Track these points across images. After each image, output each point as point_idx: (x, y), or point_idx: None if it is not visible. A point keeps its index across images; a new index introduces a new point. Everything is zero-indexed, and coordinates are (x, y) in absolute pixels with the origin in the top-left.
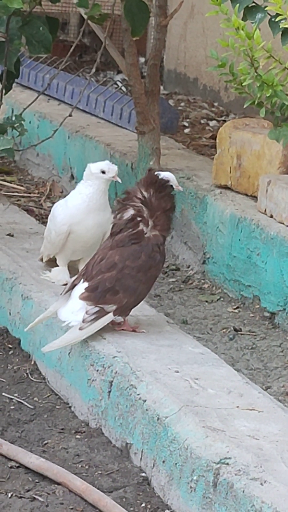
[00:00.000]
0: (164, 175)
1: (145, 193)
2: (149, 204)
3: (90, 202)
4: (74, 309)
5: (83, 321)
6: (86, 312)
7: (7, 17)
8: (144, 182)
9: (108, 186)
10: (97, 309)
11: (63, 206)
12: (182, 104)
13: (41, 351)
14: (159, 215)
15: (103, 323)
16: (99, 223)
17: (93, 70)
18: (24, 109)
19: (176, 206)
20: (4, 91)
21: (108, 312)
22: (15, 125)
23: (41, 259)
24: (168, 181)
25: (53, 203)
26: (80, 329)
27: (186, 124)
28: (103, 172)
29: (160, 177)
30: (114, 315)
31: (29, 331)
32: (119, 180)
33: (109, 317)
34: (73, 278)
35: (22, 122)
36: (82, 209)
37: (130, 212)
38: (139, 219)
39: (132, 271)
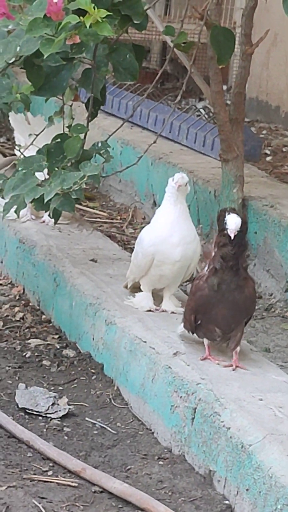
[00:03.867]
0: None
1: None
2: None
3: (169, 216)
4: None
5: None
6: None
7: (94, 44)
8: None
9: (184, 199)
10: None
11: (149, 228)
12: (264, 132)
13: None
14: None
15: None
16: (185, 241)
17: (178, 97)
18: (109, 135)
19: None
20: (90, 117)
21: None
22: (101, 152)
23: (126, 286)
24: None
25: (135, 229)
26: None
27: (268, 152)
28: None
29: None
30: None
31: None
32: (179, 185)
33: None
34: None
35: (108, 148)
36: (164, 224)
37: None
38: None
39: (190, 291)
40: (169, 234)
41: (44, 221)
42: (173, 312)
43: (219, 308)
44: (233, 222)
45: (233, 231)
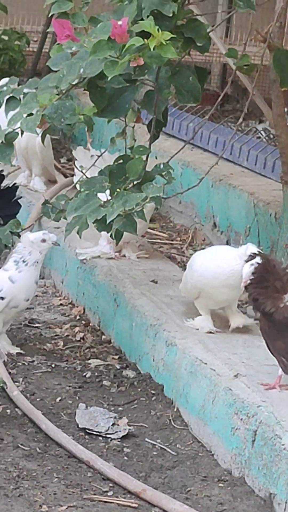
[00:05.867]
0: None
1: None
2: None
3: (227, 264)
4: None
5: None
6: None
7: (157, 66)
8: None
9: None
10: None
11: (202, 261)
12: None
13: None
14: None
15: None
16: (231, 288)
17: (240, 119)
18: (171, 157)
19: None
20: (152, 139)
21: None
22: (163, 173)
23: None
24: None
25: (195, 250)
26: None
27: None
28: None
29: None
30: None
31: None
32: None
33: None
34: None
35: (170, 170)
36: (215, 276)
37: None
38: None
39: None
40: (222, 281)
41: (124, 256)
42: (244, 326)
43: (276, 341)
44: (243, 273)
45: (244, 281)
